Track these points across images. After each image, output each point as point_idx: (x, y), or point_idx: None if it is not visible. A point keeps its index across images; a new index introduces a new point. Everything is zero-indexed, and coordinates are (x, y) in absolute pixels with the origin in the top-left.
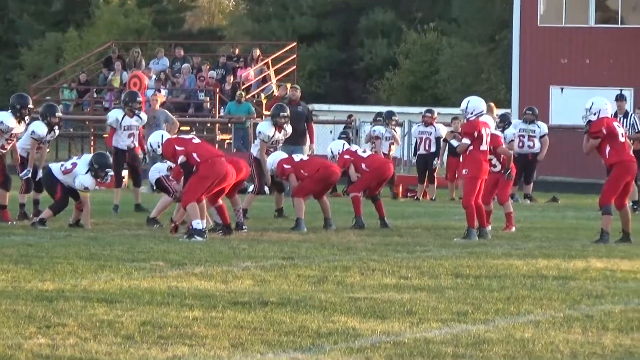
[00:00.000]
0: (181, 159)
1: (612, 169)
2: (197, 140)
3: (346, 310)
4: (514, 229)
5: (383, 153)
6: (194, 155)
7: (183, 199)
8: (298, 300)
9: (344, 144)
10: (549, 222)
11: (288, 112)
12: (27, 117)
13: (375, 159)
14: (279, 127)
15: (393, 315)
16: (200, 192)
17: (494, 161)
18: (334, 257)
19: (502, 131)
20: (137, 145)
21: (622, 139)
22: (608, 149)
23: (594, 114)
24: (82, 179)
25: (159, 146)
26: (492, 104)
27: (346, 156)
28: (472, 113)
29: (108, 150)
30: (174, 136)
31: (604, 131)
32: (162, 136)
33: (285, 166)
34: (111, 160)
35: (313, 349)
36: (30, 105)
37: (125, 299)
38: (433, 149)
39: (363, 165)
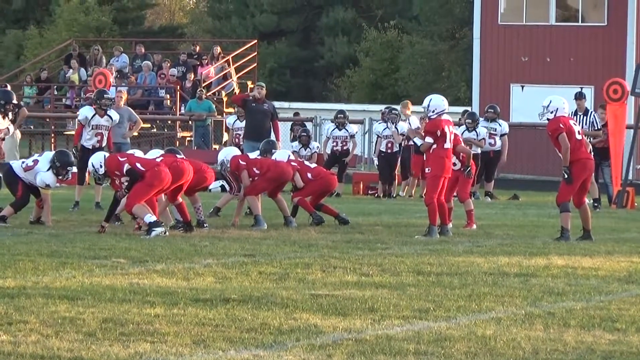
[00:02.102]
0: (126, 166)
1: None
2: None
3: (308, 307)
4: (474, 226)
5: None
6: (137, 165)
7: (127, 203)
8: (260, 297)
9: (289, 155)
10: (510, 219)
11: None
12: (10, 113)
13: (320, 171)
14: None
15: (355, 312)
16: (144, 198)
17: (454, 159)
18: (295, 254)
19: (473, 130)
20: (103, 145)
21: (578, 137)
22: None
23: (551, 112)
24: (44, 176)
25: (101, 166)
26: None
27: (293, 163)
28: (433, 111)
29: (74, 147)
30: None
31: (562, 126)
32: (104, 155)
33: (241, 162)
34: (72, 157)
35: (275, 346)
36: (15, 101)
37: (87, 296)
38: (396, 147)
39: (309, 175)
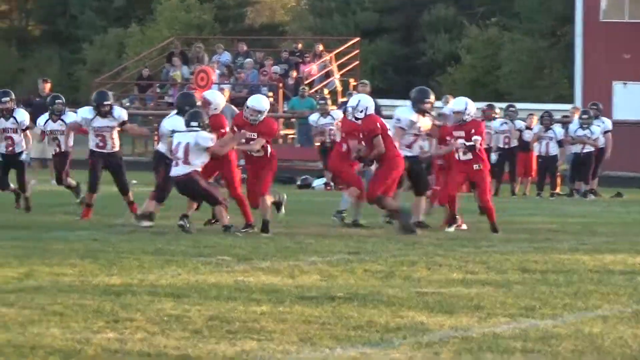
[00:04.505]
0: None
1: None
2: None
3: (414, 305)
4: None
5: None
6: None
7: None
8: (365, 295)
9: None
10: (614, 217)
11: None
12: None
13: None
14: (422, 112)
15: (461, 310)
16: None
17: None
18: (400, 252)
19: (587, 128)
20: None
21: None
22: None
23: None
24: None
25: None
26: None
27: None
28: (468, 115)
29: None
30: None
31: None
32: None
33: None
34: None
35: (382, 344)
36: (110, 101)
37: (193, 293)
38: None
39: None
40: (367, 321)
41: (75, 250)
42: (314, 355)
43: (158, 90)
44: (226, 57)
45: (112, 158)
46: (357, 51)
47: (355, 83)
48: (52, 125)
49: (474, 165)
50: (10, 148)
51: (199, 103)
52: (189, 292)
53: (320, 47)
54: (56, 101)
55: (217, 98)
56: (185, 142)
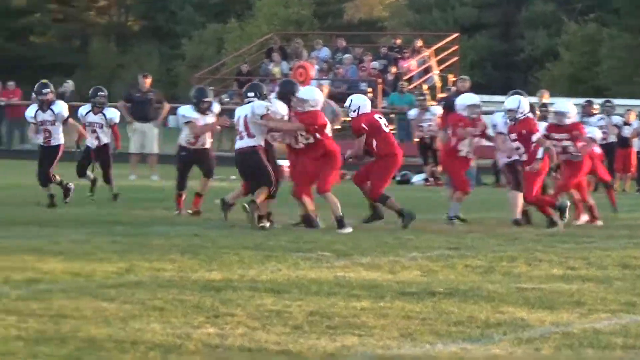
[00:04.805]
0: None
1: None
2: None
3: (514, 300)
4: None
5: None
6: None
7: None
8: (466, 290)
9: None
10: None
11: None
12: (207, 110)
13: None
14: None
15: (561, 305)
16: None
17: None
18: (500, 248)
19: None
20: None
21: None
22: None
23: None
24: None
25: None
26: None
27: None
28: (522, 113)
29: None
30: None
31: None
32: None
33: None
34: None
35: (482, 339)
36: (209, 98)
37: (293, 289)
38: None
39: None
40: (468, 317)
41: (175, 245)
42: (415, 351)
43: None
44: (325, 52)
45: (201, 154)
46: (456, 47)
47: (454, 79)
48: (92, 118)
49: (527, 167)
50: (48, 140)
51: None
52: (289, 287)
53: (419, 43)
54: (98, 94)
55: (315, 94)
56: (243, 114)
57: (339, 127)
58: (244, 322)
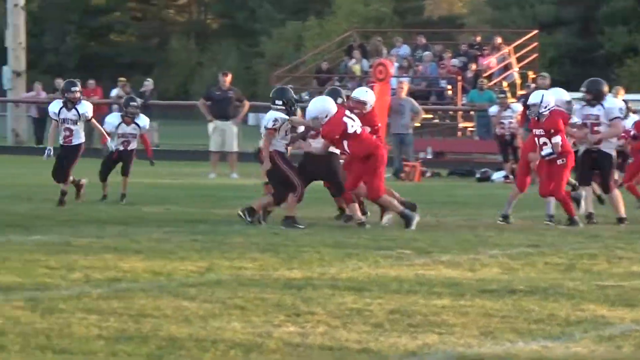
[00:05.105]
0: None
1: None
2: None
3: (595, 298)
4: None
5: None
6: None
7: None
8: (546, 288)
9: None
10: None
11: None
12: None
13: None
14: None
15: None
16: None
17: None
18: (580, 245)
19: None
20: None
21: None
22: None
23: None
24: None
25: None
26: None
27: None
28: (545, 107)
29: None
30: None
31: None
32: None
33: None
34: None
35: (563, 337)
36: (291, 97)
37: (373, 287)
38: None
39: None
40: (548, 314)
41: (255, 243)
42: (495, 349)
43: (337, 83)
44: (405, 50)
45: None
46: (535, 44)
47: (534, 76)
48: (124, 128)
49: (558, 160)
50: (69, 139)
51: (365, 98)
52: (369, 285)
53: (499, 40)
54: (131, 104)
55: (368, 96)
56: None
57: (418, 124)
58: (324, 321)
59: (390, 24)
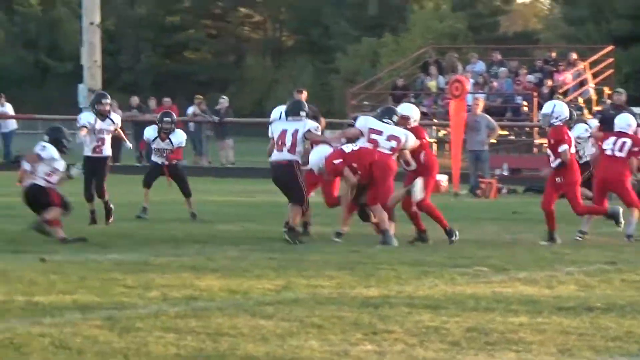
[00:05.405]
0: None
1: None
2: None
3: None
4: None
5: None
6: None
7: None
8: (624, 305)
9: None
10: None
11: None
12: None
13: None
14: None
15: None
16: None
17: None
18: None
19: None
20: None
21: None
22: None
23: None
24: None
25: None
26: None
27: None
28: (557, 118)
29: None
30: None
31: None
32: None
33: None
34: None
35: None
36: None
37: (450, 304)
38: None
39: None
40: (626, 332)
41: (331, 261)
42: None
43: (412, 100)
44: (480, 66)
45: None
46: (611, 59)
47: (609, 92)
48: (160, 144)
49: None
50: (100, 149)
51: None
52: (446, 303)
53: (574, 56)
54: (164, 119)
55: (413, 111)
56: (292, 128)
57: (494, 141)
58: (401, 339)
59: (464, 40)
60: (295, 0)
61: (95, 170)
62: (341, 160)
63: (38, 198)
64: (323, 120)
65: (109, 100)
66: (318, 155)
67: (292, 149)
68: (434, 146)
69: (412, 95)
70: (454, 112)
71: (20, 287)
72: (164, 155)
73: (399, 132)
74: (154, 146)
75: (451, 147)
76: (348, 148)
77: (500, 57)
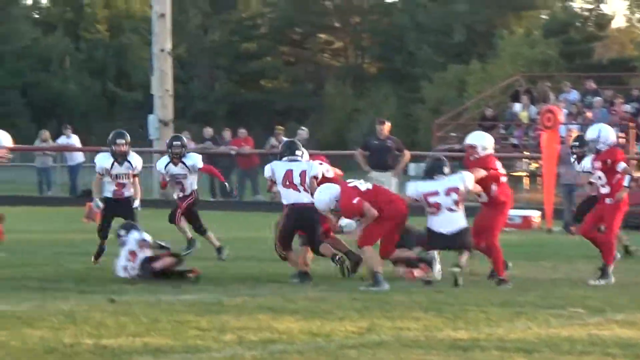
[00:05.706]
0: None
1: None
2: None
3: None
4: None
5: None
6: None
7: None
8: None
9: None
10: None
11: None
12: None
13: None
14: None
15: None
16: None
17: None
18: None
19: None
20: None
21: None
22: None
23: None
24: None
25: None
26: None
27: None
28: (604, 143)
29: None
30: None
31: None
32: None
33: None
34: None
35: None
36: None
37: (544, 348)
38: None
39: None
40: None
41: (417, 302)
42: None
43: (502, 131)
44: (574, 95)
45: None
46: None
47: None
48: (174, 169)
49: (607, 200)
50: (120, 193)
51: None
52: (540, 346)
53: None
54: (174, 143)
55: (484, 141)
56: (299, 169)
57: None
58: None
59: (557, 67)
60: (377, 25)
61: (116, 210)
62: (359, 198)
63: None
64: (407, 153)
65: (124, 140)
66: (327, 195)
67: (307, 190)
68: (525, 180)
69: (502, 127)
70: (546, 143)
71: (88, 330)
72: (180, 181)
73: (453, 180)
74: (170, 173)
75: (543, 180)
76: (363, 186)
77: (595, 86)
